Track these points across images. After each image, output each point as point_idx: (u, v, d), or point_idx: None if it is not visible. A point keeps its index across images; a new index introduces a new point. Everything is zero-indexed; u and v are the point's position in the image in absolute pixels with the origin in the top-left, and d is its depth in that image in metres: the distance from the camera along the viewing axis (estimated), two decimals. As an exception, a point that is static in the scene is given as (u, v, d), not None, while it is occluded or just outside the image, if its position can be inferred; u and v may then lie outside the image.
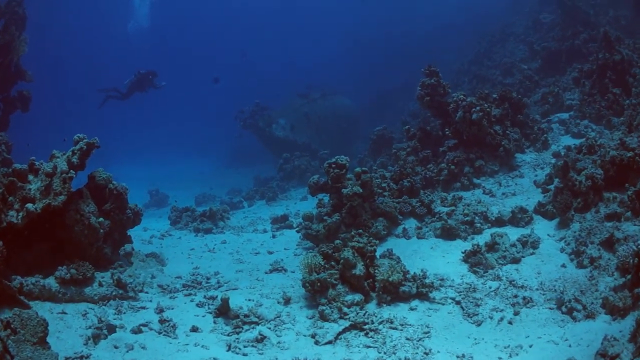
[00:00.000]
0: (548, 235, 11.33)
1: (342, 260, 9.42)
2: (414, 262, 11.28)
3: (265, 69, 61.27)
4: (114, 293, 9.94)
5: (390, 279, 9.25)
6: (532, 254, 10.65)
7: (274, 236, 15.24)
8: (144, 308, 9.71)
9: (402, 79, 37.87)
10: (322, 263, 9.74)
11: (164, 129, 55.12)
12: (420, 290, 9.53)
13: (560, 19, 24.30)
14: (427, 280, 9.73)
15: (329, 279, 9.32)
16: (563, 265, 9.98)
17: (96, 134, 11.26)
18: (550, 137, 16.46)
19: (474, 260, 10.60)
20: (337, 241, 10.11)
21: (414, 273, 9.75)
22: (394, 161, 18.64)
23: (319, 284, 9.31)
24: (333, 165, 13.34)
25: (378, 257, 10.14)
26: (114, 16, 61.79)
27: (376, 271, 9.50)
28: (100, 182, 11.78)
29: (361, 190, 12.82)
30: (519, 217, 12.31)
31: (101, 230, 10.78)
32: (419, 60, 38.02)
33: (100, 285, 9.99)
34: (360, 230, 10.25)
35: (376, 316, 8.94)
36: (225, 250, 13.89)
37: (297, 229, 15.29)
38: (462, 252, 10.94)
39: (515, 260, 10.50)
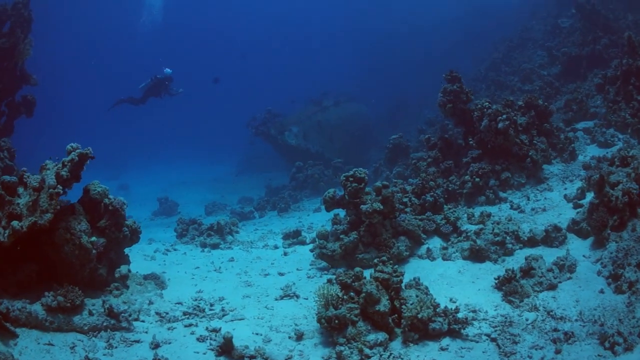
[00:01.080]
0: (584, 256, 10.10)
1: (364, 294, 7.94)
2: (441, 289, 9.96)
3: (279, 76, 60.07)
4: (105, 323, 8.69)
5: (420, 316, 7.75)
6: (569, 278, 9.41)
7: (285, 253, 13.78)
8: (138, 342, 8.40)
9: (417, 87, 36.99)
10: (340, 294, 8.30)
11: (176, 134, 53.93)
12: (452, 327, 8.05)
13: (580, 23, 22.93)
14: (459, 315, 8.25)
15: (348, 315, 7.85)
16: (601, 291, 8.79)
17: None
18: (576, 146, 15.20)
19: (508, 288, 9.23)
20: (357, 268, 8.66)
21: (445, 307, 8.28)
22: (413, 172, 17.36)
23: (336, 320, 7.84)
24: (350, 179, 11.91)
25: (403, 287, 8.62)
26: (125, 13, 60.37)
27: (403, 307, 8.00)
28: (95, 197, 10.44)
29: (382, 207, 11.38)
30: (552, 237, 10.99)
31: (94, 251, 9.52)
32: (433, 68, 36.95)
33: (91, 314, 8.77)
34: (384, 257, 8.71)
35: (402, 359, 7.49)
36: (233, 270, 12.43)
37: (310, 246, 13.92)
38: (495, 279, 9.60)
39: (552, 287, 9.24)
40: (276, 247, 14.47)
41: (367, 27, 50.84)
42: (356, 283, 8.34)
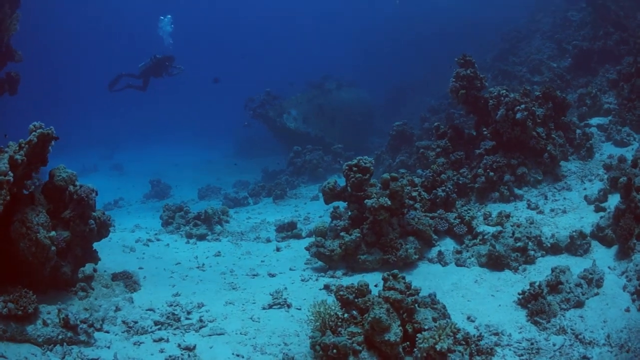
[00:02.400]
0: (609, 268, 8.83)
1: (370, 319, 6.13)
2: (456, 303, 8.35)
3: (279, 59, 58.18)
4: (60, 336, 7.12)
5: (438, 347, 5.94)
6: (596, 294, 8.08)
7: (278, 249, 12.00)
8: (96, 360, 6.65)
9: (419, 75, 35.69)
10: (340, 313, 6.55)
11: (173, 116, 52.12)
12: (474, 358, 6.33)
13: (591, 17, 21.54)
14: (483, 343, 6.54)
15: (349, 344, 6.08)
16: (627, 310, 7.59)
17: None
18: (592, 143, 13.68)
19: (535, 306, 7.68)
20: (360, 279, 6.90)
21: (466, 332, 6.50)
22: (418, 161, 15.73)
23: (334, 350, 6.05)
24: (354, 169, 10.19)
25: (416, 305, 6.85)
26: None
27: (418, 335, 6.16)
28: (59, 183, 8.73)
29: (389, 203, 9.65)
30: (577, 244, 9.57)
31: (53, 247, 7.80)
32: (437, 56, 35.35)
33: (45, 324, 7.22)
34: (395, 271, 6.86)
35: (415, 402, 5.81)
36: (217, 268, 10.65)
37: (306, 240, 12.23)
38: (519, 294, 8.06)
39: (579, 304, 7.88)
40: (269, 241, 12.72)
41: (368, 13, 49.21)
42: (360, 299, 6.59)
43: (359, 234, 9.85)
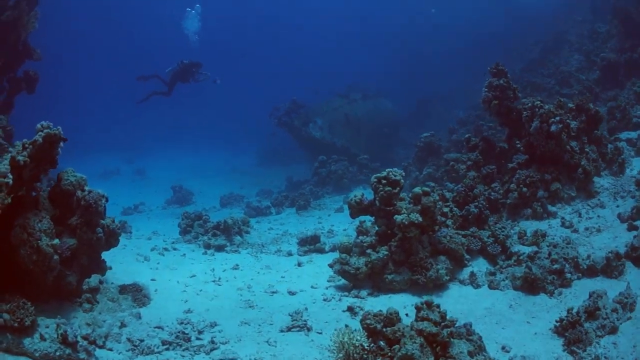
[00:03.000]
0: None
1: (401, 354, 5.29)
2: (491, 331, 7.56)
3: (305, 67, 57.44)
4: (58, 353, 6.50)
5: (477, 388, 5.09)
6: (629, 318, 7.55)
7: (299, 264, 11.14)
8: (96, 382, 5.97)
9: (445, 87, 34.93)
10: (366, 344, 5.71)
11: (197, 122, 51.44)
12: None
13: (617, 29, 20.77)
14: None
15: (377, 383, 5.25)
16: None
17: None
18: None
19: (573, 335, 7.00)
20: (388, 302, 6.09)
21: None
22: (447, 174, 14.87)
23: (360, 389, 5.22)
24: (383, 181, 9.37)
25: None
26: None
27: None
28: (66, 188, 8.05)
29: (421, 219, 8.76)
30: (613, 266, 8.95)
31: (56, 256, 7.11)
32: (463, 68, 34.53)
33: (42, 338, 6.64)
34: (427, 298, 6.02)
35: None
36: (234, 283, 9.82)
37: (329, 255, 11.43)
38: (557, 321, 7.32)
39: (614, 330, 7.34)
40: (290, 254, 11.87)
41: (393, 24, 48.49)
42: (388, 329, 5.76)
43: (387, 252, 9.01)
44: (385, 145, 27.69)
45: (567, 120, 11.78)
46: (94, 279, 7.92)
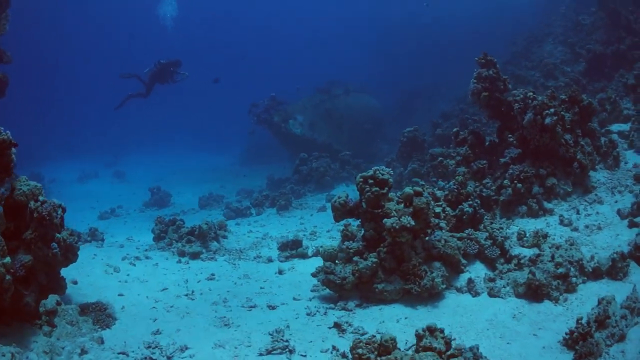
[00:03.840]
0: None
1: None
2: (495, 347, 6.70)
3: (286, 64, 56.42)
4: None
5: None
6: (636, 323, 6.90)
7: (280, 271, 10.10)
8: None
9: (428, 80, 34.34)
10: (358, 377, 4.76)
11: (177, 122, 50.28)
12: None
13: (603, 21, 20.21)
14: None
15: None
16: None
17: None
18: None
19: (584, 348, 6.13)
20: (386, 334, 5.12)
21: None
22: (433, 169, 14.05)
23: None
24: (370, 181, 8.34)
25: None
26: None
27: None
28: (19, 199, 7.04)
29: (413, 223, 7.78)
30: (618, 267, 8.19)
31: (8, 276, 6.18)
32: (446, 61, 33.77)
33: None
34: (432, 325, 5.01)
35: None
36: (209, 296, 8.76)
37: (312, 260, 10.53)
38: (567, 334, 6.51)
39: (622, 338, 6.65)
40: (270, 261, 10.81)
41: (374, 19, 47.70)
42: (383, 359, 4.80)
43: (376, 259, 8.03)
44: (367, 141, 26.82)
45: (562, 112, 10.95)
46: (50, 300, 6.91)
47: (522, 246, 8.99)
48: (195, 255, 11.07)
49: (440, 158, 13.31)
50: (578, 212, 10.26)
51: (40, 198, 7.20)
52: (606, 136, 12.31)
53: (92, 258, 10.93)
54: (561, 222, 9.98)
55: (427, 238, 8.31)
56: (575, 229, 9.71)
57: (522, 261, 8.40)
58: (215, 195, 21.35)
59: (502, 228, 9.32)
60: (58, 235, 7.29)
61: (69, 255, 7.45)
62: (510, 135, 11.66)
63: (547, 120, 10.58)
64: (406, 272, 7.88)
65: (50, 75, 55.41)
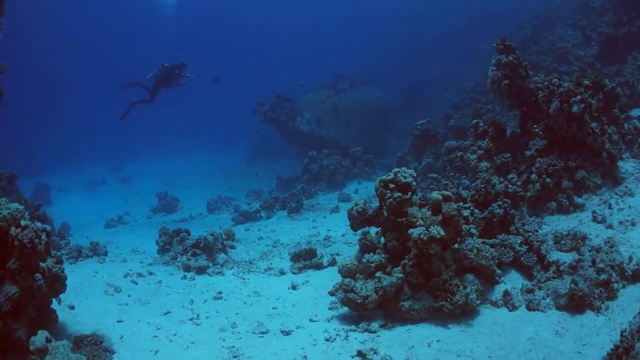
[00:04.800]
0: None
1: None
2: None
3: (289, 60, 55.24)
4: None
5: None
6: None
7: (294, 287, 9.05)
8: None
9: (434, 71, 33.26)
10: None
11: (183, 122, 49.37)
12: None
13: (612, 3, 19.28)
14: None
15: None
16: None
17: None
18: None
19: None
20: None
21: None
22: (449, 164, 13.16)
23: None
24: (391, 185, 7.31)
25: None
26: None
27: None
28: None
29: (443, 233, 6.76)
30: None
31: None
32: (452, 51, 32.66)
33: None
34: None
35: None
36: (216, 320, 7.73)
37: (328, 271, 9.60)
38: (612, 350, 5.35)
39: None
40: (282, 273, 9.76)
41: (377, 8, 46.62)
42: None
43: (401, 274, 7.02)
44: (376, 135, 25.83)
45: (589, 99, 9.98)
46: (39, 338, 5.97)
47: (560, 250, 8.02)
48: (201, 270, 10.08)
49: (457, 152, 12.33)
50: (610, 207, 9.40)
51: (23, 222, 6.32)
52: (629, 122, 11.35)
53: (92, 276, 10.03)
54: (594, 219, 9.11)
55: (457, 246, 7.29)
56: (610, 226, 8.85)
57: (561, 268, 7.46)
58: (224, 197, 20.54)
59: (537, 231, 8.31)
60: (42, 264, 6.36)
61: (56, 285, 6.54)
62: (535, 126, 10.65)
63: (575, 109, 9.70)
64: (436, 287, 6.89)
65: (49, 80, 54.58)
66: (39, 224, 6.44)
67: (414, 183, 7.37)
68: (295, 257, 9.99)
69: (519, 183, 10.06)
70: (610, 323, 6.63)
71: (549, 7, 26.28)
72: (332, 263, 9.82)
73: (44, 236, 6.42)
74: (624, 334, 5.45)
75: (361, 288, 7.12)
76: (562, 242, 8.10)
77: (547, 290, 7.19)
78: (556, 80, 10.27)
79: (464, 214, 7.98)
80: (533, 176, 9.91)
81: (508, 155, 10.70)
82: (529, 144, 10.57)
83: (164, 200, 20.64)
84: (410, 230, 6.83)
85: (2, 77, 12.24)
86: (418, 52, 36.69)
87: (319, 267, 9.85)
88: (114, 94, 21.91)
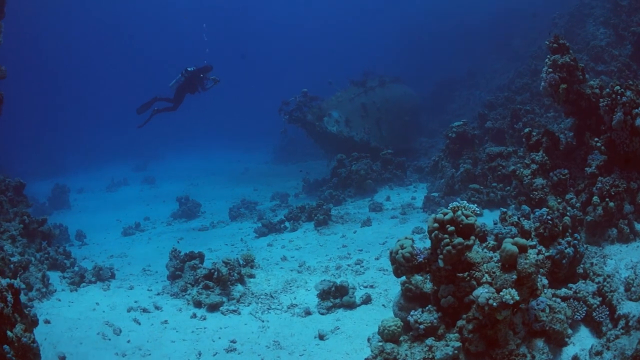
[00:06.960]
0: None
1: None
2: None
3: (317, 58, 53.71)
4: None
5: None
6: None
7: (321, 336, 7.36)
8: None
9: (463, 68, 32.05)
10: None
11: (208, 122, 47.99)
12: None
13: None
14: None
15: None
16: None
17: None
18: None
19: None
20: None
21: None
22: (490, 172, 11.58)
23: None
24: (448, 227, 5.50)
25: None
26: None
27: None
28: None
29: (518, 298, 5.00)
30: None
31: None
32: (481, 48, 30.85)
33: None
34: None
35: None
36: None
37: (360, 307, 7.91)
38: None
39: None
40: (308, 313, 8.08)
41: (403, 6, 44.88)
42: None
43: (458, 343, 5.31)
44: (407, 135, 24.19)
45: (653, 109, 8.23)
46: None
47: (630, 299, 6.20)
48: (213, 307, 8.43)
49: (513, 167, 10.54)
50: (675, 235, 7.64)
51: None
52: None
53: (92, 310, 8.58)
54: (660, 252, 7.36)
55: (528, 309, 5.53)
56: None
57: (630, 323, 5.66)
58: (248, 201, 19.27)
59: (609, 277, 6.50)
60: (10, 333, 4.81)
61: (29, 355, 4.96)
62: (596, 139, 8.83)
63: (638, 122, 7.85)
64: (500, 358, 5.15)
65: (76, 79, 53.84)
66: (2, 281, 4.91)
67: (477, 223, 5.58)
68: (324, 295, 8.27)
69: (578, 205, 8.35)
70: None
71: (581, 2, 24.34)
72: (367, 301, 8.19)
73: (9, 296, 4.89)
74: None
75: (406, 355, 5.42)
76: (633, 289, 6.29)
77: (615, 350, 5.45)
78: (618, 87, 8.44)
79: (535, 259, 6.18)
80: (595, 199, 8.12)
81: (566, 171, 8.99)
82: (588, 158, 8.80)
83: (184, 205, 19.14)
84: (476, 293, 5.07)
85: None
86: (445, 48, 35.15)
87: (350, 306, 8.16)
88: (141, 92, 20.48)
